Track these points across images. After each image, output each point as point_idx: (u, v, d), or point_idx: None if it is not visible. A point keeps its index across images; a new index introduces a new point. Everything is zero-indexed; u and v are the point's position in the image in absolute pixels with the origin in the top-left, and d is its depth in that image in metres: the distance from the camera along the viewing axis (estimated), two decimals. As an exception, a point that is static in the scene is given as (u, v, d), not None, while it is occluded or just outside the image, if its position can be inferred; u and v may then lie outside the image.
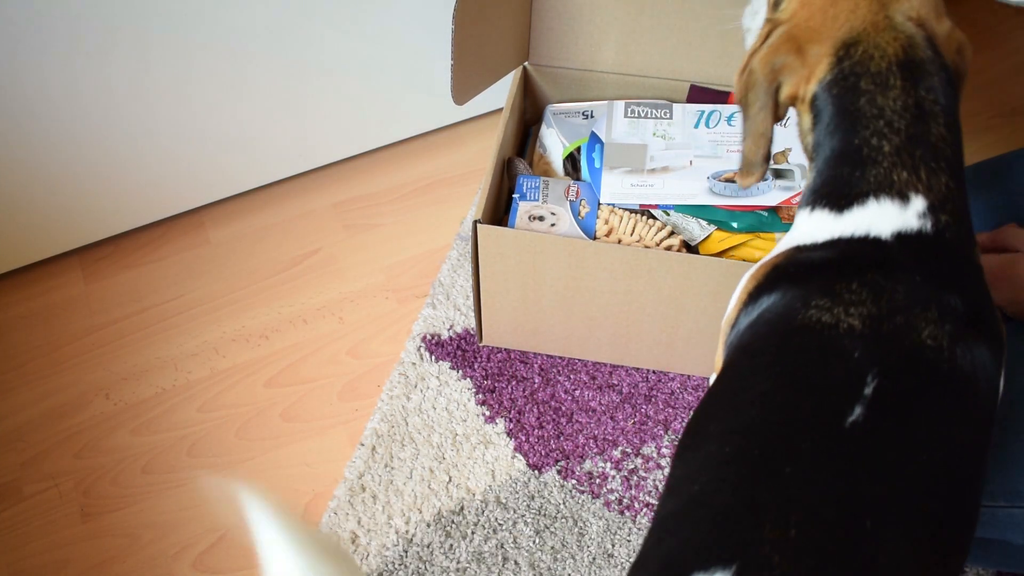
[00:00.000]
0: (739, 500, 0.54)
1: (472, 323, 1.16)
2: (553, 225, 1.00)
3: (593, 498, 1.00)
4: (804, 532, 0.51)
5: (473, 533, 0.97)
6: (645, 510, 0.99)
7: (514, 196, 1.03)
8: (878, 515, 0.52)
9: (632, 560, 0.60)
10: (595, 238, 1.00)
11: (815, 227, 0.66)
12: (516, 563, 0.95)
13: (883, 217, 0.63)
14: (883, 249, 0.63)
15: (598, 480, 1.01)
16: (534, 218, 1.00)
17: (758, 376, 0.61)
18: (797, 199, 1.00)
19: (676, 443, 0.63)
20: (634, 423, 1.06)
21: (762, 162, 0.72)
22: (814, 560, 0.50)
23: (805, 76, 0.68)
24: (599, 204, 1.03)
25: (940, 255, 0.63)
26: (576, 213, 1.01)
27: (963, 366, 0.59)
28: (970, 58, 0.68)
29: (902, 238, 0.62)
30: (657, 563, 0.55)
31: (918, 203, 0.63)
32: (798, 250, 0.67)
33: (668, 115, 1.11)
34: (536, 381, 1.10)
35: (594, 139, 1.10)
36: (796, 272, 0.66)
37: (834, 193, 0.65)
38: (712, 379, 0.79)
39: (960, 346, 0.59)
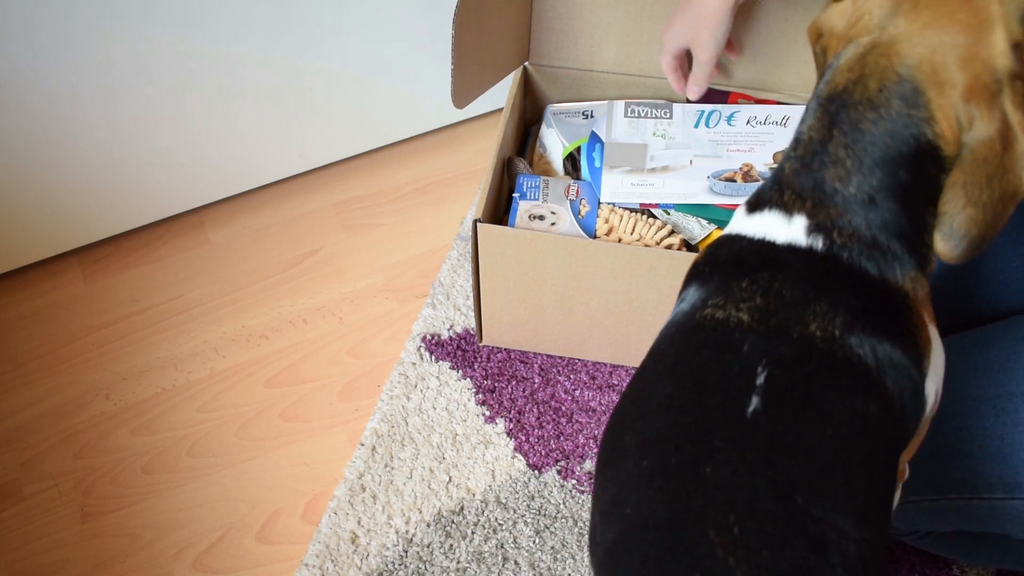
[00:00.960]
0: (675, 513, 0.54)
1: (472, 323, 1.16)
2: (553, 224, 1.00)
3: (593, 498, 1.00)
4: (746, 527, 0.52)
5: (473, 533, 0.97)
6: (645, 510, 0.99)
7: (514, 195, 1.03)
8: (806, 490, 0.53)
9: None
10: (595, 237, 1.00)
11: (735, 220, 0.68)
12: (516, 563, 0.95)
13: (775, 226, 0.64)
14: (775, 251, 0.63)
15: (598, 480, 1.02)
16: (534, 217, 1.00)
17: (662, 379, 0.62)
18: None
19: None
20: (634, 423, 1.06)
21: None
22: (769, 551, 0.51)
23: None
24: (599, 203, 1.04)
25: (834, 267, 0.61)
26: (576, 212, 1.01)
27: (860, 354, 0.58)
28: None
29: (793, 248, 0.62)
30: None
31: (801, 221, 0.62)
32: (717, 243, 0.69)
33: (668, 115, 1.11)
34: (536, 381, 1.10)
35: (594, 139, 1.10)
36: (705, 269, 0.67)
37: (755, 195, 0.67)
38: None
39: (854, 336, 0.58)
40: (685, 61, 1.05)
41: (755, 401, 0.56)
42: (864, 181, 0.61)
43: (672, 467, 0.56)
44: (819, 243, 0.62)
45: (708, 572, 0.51)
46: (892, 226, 0.61)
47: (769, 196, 0.65)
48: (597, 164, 1.07)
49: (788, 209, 0.63)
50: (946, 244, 0.62)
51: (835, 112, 0.61)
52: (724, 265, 0.65)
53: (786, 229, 0.63)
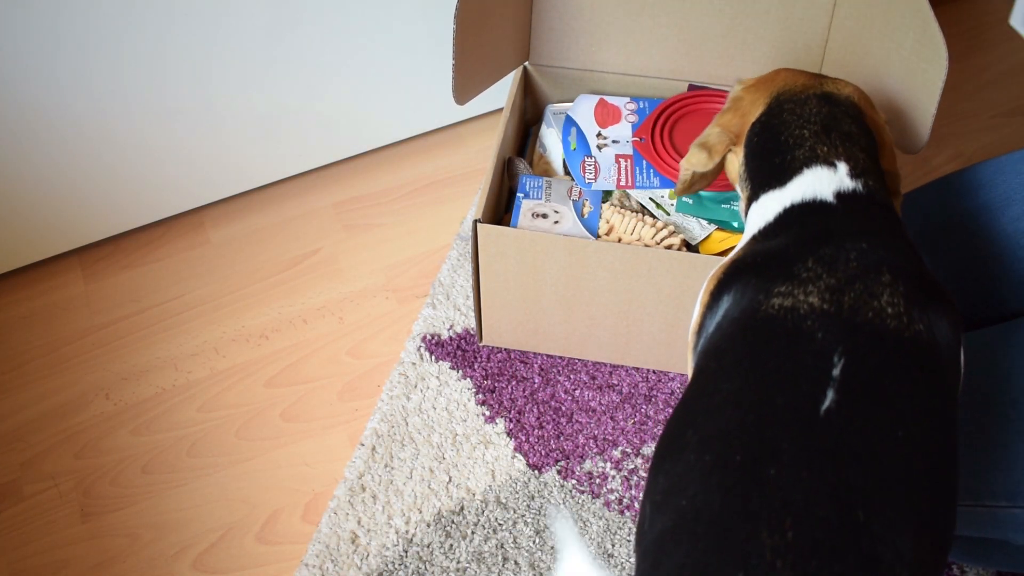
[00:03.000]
0: (731, 510, 0.53)
1: (472, 323, 1.16)
2: (556, 223, 1.00)
3: (593, 498, 1.00)
4: (801, 533, 0.51)
5: (473, 533, 0.97)
6: (645, 510, 0.99)
7: (518, 194, 1.03)
8: (867, 505, 0.53)
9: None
10: (598, 236, 1.00)
11: (764, 208, 0.73)
12: (516, 563, 0.95)
13: (820, 181, 0.72)
14: (829, 215, 0.69)
15: (598, 480, 1.01)
16: (537, 215, 1.00)
17: (728, 376, 0.61)
18: None
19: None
20: (634, 423, 1.06)
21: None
22: (817, 560, 0.50)
23: (740, 124, 0.82)
24: (602, 204, 1.04)
25: (876, 215, 0.70)
26: (579, 212, 1.01)
27: (922, 331, 0.60)
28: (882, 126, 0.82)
29: (842, 197, 0.71)
30: None
31: (843, 167, 0.72)
32: (755, 240, 0.71)
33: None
34: (536, 381, 1.10)
35: (569, 122, 1.11)
36: (755, 263, 0.68)
37: (773, 176, 0.74)
38: None
39: (916, 308, 0.61)
40: None
41: (830, 396, 0.56)
42: (866, 138, 0.77)
43: (735, 464, 0.55)
44: (860, 185, 0.72)
45: (753, 571, 0.50)
46: (877, 167, 0.75)
47: (800, 160, 0.74)
48: (573, 147, 1.08)
49: (829, 160, 0.73)
50: None
51: (824, 99, 0.79)
52: (778, 253, 0.67)
53: (831, 179, 0.72)
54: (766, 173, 0.76)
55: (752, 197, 0.77)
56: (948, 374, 0.61)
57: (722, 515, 0.53)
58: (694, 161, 0.84)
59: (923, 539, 0.54)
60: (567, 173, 1.12)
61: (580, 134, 1.10)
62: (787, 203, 0.72)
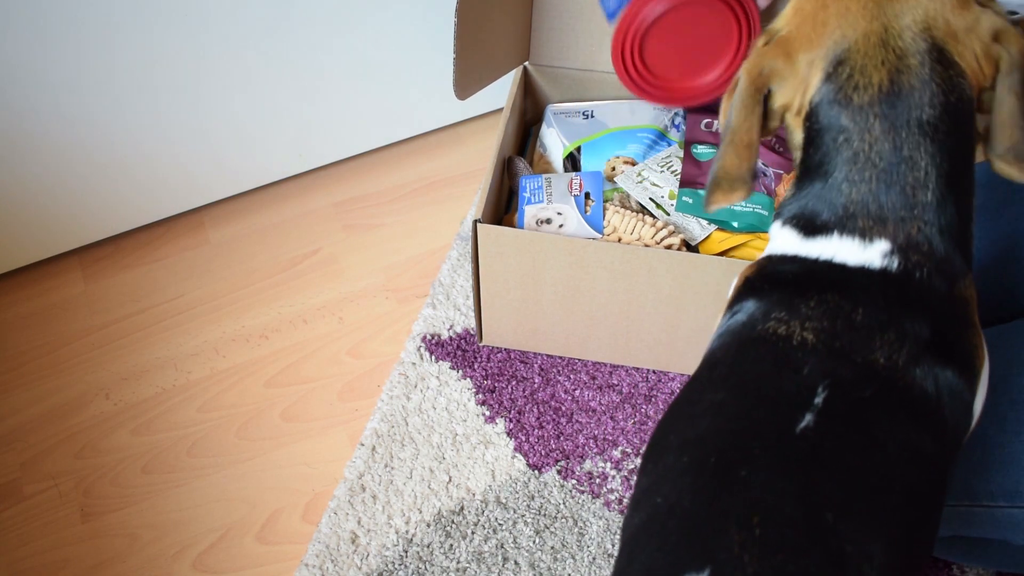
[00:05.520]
0: (701, 507, 0.54)
1: (472, 323, 1.16)
2: (561, 226, 1.00)
3: (593, 498, 1.00)
4: (769, 530, 0.52)
5: (473, 533, 0.97)
6: (645, 510, 0.99)
7: (520, 201, 1.02)
8: (838, 509, 0.53)
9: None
10: (603, 231, 1.00)
11: (784, 242, 0.66)
12: (516, 563, 0.95)
13: (846, 250, 0.62)
14: (846, 273, 0.61)
15: (598, 480, 1.01)
16: (541, 221, 1.00)
17: (714, 387, 0.62)
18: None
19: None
20: (634, 423, 1.06)
21: (748, 177, 0.66)
22: (783, 555, 0.51)
23: (800, 87, 0.64)
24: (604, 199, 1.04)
25: (906, 289, 0.60)
26: (582, 209, 1.01)
27: (922, 385, 0.58)
28: (1019, 43, 0.60)
29: (865, 271, 0.61)
30: None
31: (882, 245, 0.61)
32: (769, 260, 0.67)
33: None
34: (536, 381, 1.10)
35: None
36: (762, 284, 0.66)
37: (803, 219, 0.64)
38: None
39: (920, 368, 0.58)
40: None
41: (808, 418, 0.56)
42: (939, 178, 0.59)
43: (709, 465, 0.56)
44: (895, 264, 0.60)
45: (720, 565, 0.51)
46: (952, 226, 0.60)
47: (836, 222, 0.62)
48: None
49: (866, 235, 0.61)
50: (1019, 164, 0.61)
51: (891, 112, 0.60)
52: (786, 281, 0.63)
53: (861, 253, 0.61)
54: (802, 208, 0.64)
55: (783, 213, 0.67)
56: (946, 423, 0.59)
57: (693, 512, 0.55)
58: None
59: (895, 549, 0.54)
60: (568, 169, 1.11)
61: None
62: (804, 254, 0.64)
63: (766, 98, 0.65)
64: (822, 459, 0.55)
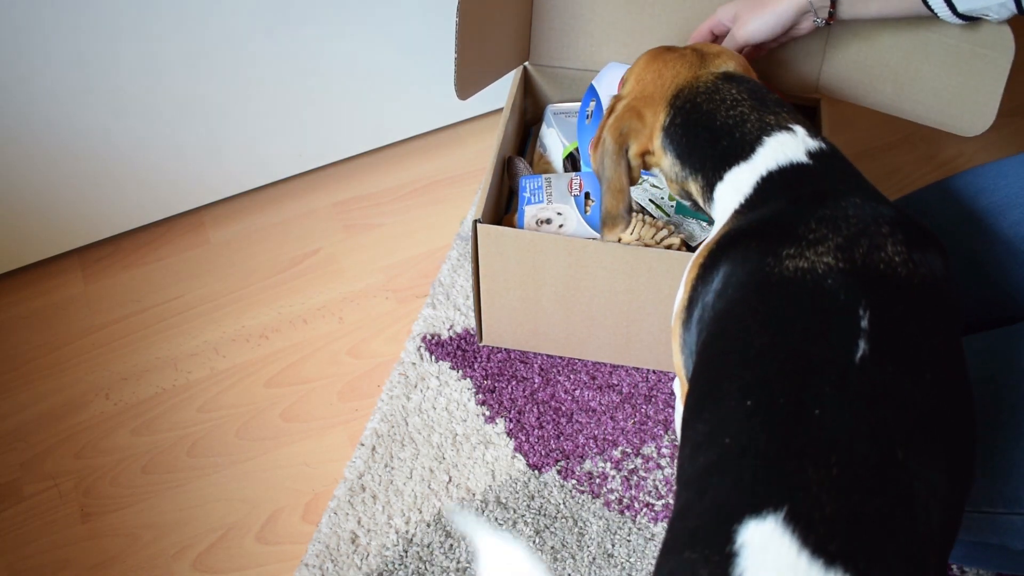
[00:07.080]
0: (777, 446, 0.56)
1: (472, 323, 1.16)
2: (561, 226, 1.00)
3: (593, 498, 1.00)
4: (845, 470, 0.54)
5: (473, 533, 0.97)
6: (645, 510, 0.99)
7: (520, 201, 1.02)
8: (906, 444, 0.56)
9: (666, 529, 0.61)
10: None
11: (737, 182, 0.74)
12: (516, 563, 0.95)
13: (786, 145, 0.73)
14: (810, 175, 0.71)
15: (598, 480, 1.01)
16: (542, 222, 1.00)
17: (756, 333, 0.63)
18: None
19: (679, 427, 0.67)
20: (634, 423, 1.06)
21: (625, 213, 0.85)
22: (859, 495, 0.53)
23: (648, 133, 0.82)
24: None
25: (846, 169, 0.72)
26: (582, 209, 1.01)
27: (927, 274, 0.65)
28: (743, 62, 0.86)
29: (814, 156, 0.72)
30: (704, 512, 0.56)
31: (799, 129, 0.75)
32: (738, 214, 0.73)
33: None
34: (536, 381, 1.10)
35: (591, 93, 1.09)
36: (751, 230, 0.70)
37: (730, 154, 0.75)
38: (676, 384, 0.83)
39: (916, 253, 0.65)
40: (717, 38, 1.03)
41: (862, 346, 0.59)
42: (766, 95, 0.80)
43: (779, 406, 0.58)
44: (823, 144, 0.74)
45: (798, 503, 0.52)
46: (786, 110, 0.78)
47: (755, 133, 0.75)
48: (589, 120, 1.07)
49: (784, 126, 0.74)
50: None
51: (730, 79, 0.81)
52: (773, 218, 0.69)
53: (797, 142, 0.73)
54: (719, 155, 0.76)
55: (713, 179, 0.77)
56: (952, 307, 0.66)
57: (768, 452, 0.56)
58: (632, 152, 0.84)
59: (953, 474, 0.58)
60: (568, 169, 1.11)
61: (599, 106, 1.07)
62: (762, 172, 0.73)
63: (627, 151, 0.83)
64: (884, 390, 0.58)
